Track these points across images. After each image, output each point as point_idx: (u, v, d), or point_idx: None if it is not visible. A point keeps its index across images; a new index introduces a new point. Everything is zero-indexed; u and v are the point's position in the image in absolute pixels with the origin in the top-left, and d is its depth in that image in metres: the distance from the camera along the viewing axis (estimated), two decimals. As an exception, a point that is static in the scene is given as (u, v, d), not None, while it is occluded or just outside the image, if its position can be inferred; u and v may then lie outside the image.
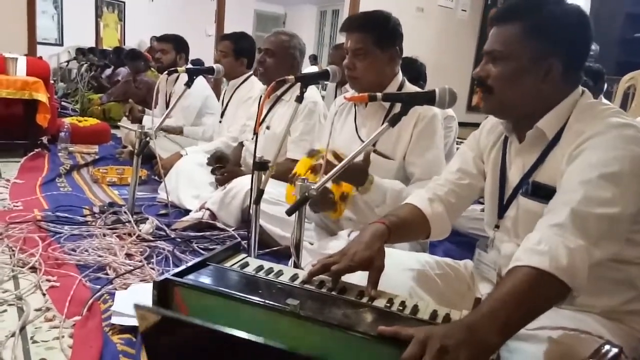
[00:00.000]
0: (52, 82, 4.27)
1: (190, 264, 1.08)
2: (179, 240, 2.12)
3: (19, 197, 2.57)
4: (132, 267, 1.79)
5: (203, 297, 0.99)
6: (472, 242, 1.99)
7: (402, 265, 1.23)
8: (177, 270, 1.05)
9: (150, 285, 1.01)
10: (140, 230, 2.13)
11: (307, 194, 1.26)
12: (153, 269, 1.82)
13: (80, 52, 8.04)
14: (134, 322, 1.39)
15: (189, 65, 3.56)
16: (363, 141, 1.67)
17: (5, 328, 1.38)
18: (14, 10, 4.63)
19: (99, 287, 1.62)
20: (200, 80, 3.38)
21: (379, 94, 1.35)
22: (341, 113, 2.00)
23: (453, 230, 1.41)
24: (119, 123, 4.42)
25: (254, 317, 0.94)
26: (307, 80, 1.72)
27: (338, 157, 1.67)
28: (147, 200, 2.72)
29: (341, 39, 1.91)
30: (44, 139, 3.84)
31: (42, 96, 3.51)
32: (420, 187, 1.40)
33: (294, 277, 1.08)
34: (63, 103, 6.44)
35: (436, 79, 2.64)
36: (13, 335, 1.35)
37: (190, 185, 2.67)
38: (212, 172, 2.64)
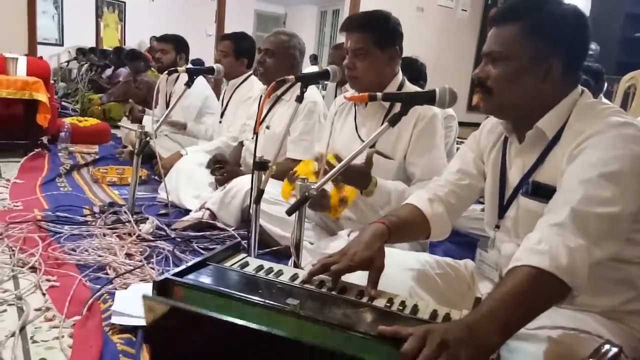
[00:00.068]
0: (52, 82, 4.27)
1: (190, 263, 1.08)
2: (179, 240, 2.12)
3: (19, 197, 2.57)
4: (132, 267, 1.79)
5: (203, 296, 0.99)
6: (472, 242, 2.00)
7: (402, 265, 1.23)
8: (177, 270, 1.05)
9: (150, 285, 1.01)
10: (140, 230, 2.13)
11: (307, 193, 1.26)
12: (153, 268, 1.82)
13: (81, 52, 8.05)
14: (134, 322, 1.39)
15: (189, 65, 3.56)
16: (363, 141, 1.67)
17: (5, 328, 1.38)
18: (14, 11, 4.63)
19: (99, 287, 1.62)
20: (200, 80, 3.38)
21: (379, 94, 1.35)
22: (341, 113, 2.00)
23: (453, 230, 1.41)
24: (119, 123, 4.42)
25: (254, 316, 0.94)
26: (307, 80, 1.72)
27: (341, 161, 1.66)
28: (147, 200, 2.72)
29: (341, 38, 1.91)
30: (44, 139, 3.84)
31: (42, 96, 3.51)
32: (422, 187, 1.40)
33: (294, 277, 1.08)
34: (63, 103, 6.44)
35: (436, 79, 2.64)
36: (13, 335, 1.35)
37: (190, 185, 2.67)
38: (212, 172, 2.64)
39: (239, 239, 2.09)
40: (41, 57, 4.39)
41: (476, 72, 1.16)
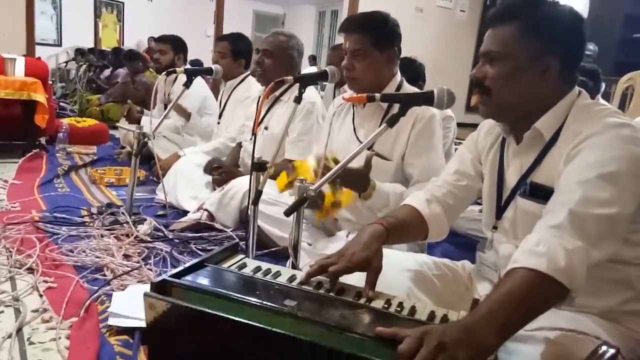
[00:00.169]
0: (50, 82, 4.26)
1: (187, 265, 1.08)
2: (176, 241, 2.12)
3: (16, 198, 2.56)
4: (129, 268, 1.79)
5: (200, 298, 0.99)
6: (471, 243, 2.00)
7: (400, 266, 1.23)
8: (174, 271, 1.05)
9: (148, 287, 1.01)
10: (138, 231, 2.12)
11: (305, 195, 1.26)
12: (151, 270, 1.82)
13: (79, 52, 8.04)
14: (131, 323, 1.39)
15: (188, 66, 3.56)
16: (361, 142, 1.67)
17: (2, 329, 1.38)
18: (12, 11, 4.63)
19: (97, 288, 1.62)
20: (198, 81, 3.38)
21: (377, 95, 1.35)
22: (339, 113, 2.00)
23: (451, 231, 1.41)
24: (117, 124, 4.41)
25: (252, 318, 0.94)
26: (306, 81, 1.72)
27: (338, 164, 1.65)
28: (145, 201, 2.72)
29: (340, 39, 1.91)
30: (42, 140, 3.83)
31: (40, 97, 3.50)
32: (420, 189, 1.40)
33: (292, 278, 1.08)
34: (61, 104, 6.43)
35: (435, 80, 2.64)
36: (10, 336, 1.34)
37: (188, 186, 2.67)
38: (210, 173, 2.64)
39: (237, 240, 2.09)
40: (39, 58, 4.38)
41: (474, 73, 1.16)
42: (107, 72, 7.12)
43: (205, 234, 2.22)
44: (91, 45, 9.00)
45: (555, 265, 0.86)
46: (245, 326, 0.82)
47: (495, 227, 1.23)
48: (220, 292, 0.98)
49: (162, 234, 2.17)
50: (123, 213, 2.29)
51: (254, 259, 1.28)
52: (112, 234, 2.11)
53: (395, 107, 1.32)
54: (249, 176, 1.62)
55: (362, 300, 0.99)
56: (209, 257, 1.14)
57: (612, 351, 0.87)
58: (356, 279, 1.07)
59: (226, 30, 4.79)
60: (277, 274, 1.09)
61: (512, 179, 1.18)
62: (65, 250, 1.90)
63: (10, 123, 3.59)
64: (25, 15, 4.70)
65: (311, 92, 2.46)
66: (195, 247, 2.07)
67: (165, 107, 3.41)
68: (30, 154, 3.61)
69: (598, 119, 1.04)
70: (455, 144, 3.17)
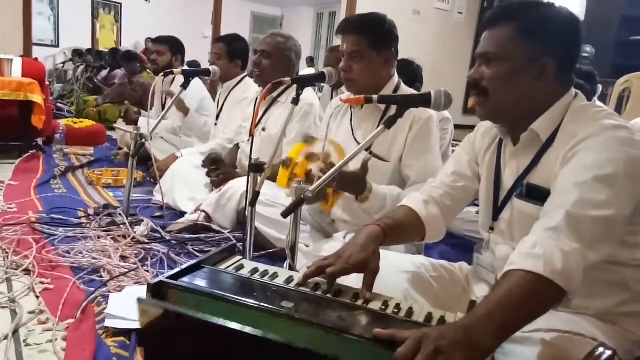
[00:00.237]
0: (47, 83, 4.25)
1: (185, 266, 1.08)
2: (174, 242, 2.12)
3: (13, 199, 2.55)
4: (126, 270, 1.78)
5: (198, 299, 0.99)
6: (468, 244, 2.00)
7: (398, 268, 1.23)
8: (171, 272, 1.04)
9: (145, 288, 1.01)
10: (135, 233, 2.12)
11: (302, 196, 1.26)
12: (148, 271, 1.81)
13: (77, 53, 8.01)
14: (128, 324, 1.39)
15: (185, 67, 3.56)
16: (359, 143, 1.67)
17: (-2, 331, 1.37)
18: (9, 12, 4.62)
19: (93, 289, 1.61)
20: (196, 82, 3.38)
21: (374, 96, 1.35)
22: (337, 115, 2.00)
23: (448, 233, 1.41)
24: (114, 125, 4.40)
25: (249, 319, 0.94)
26: (303, 82, 1.73)
27: (340, 150, 1.65)
28: (142, 202, 2.71)
29: (337, 41, 1.91)
30: (39, 141, 3.82)
31: (37, 97, 3.49)
32: (417, 190, 1.40)
33: (289, 280, 1.07)
34: (59, 104, 6.41)
35: (432, 81, 2.64)
36: (6, 338, 1.34)
37: (185, 187, 2.67)
38: (208, 174, 2.64)
39: (235, 241, 2.09)
40: (36, 59, 4.37)
41: (471, 74, 1.16)
42: (104, 73, 7.10)
43: (203, 235, 2.21)
44: (89, 46, 8.99)
45: (552, 268, 0.86)
46: (239, 333, 0.81)
47: (492, 229, 1.24)
48: (217, 293, 0.97)
49: (159, 236, 2.17)
50: (120, 214, 2.29)
51: (252, 261, 1.28)
52: (109, 235, 2.11)
53: (393, 109, 1.32)
54: (246, 177, 1.62)
55: (360, 302, 0.99)
56: (207, 259, 1.13)
57: (608, 353, 0.87)
58: (353, 280, 1.07)
59: (224, 32, 4.79)
60: (275, 276, 1.09)
61: (509, 180, 1.18)
62: (62, 252, 1.90)
63: (7, 124, 3.58)
64: (23, 16, 4.69)
65: (309, 93, 2.47)
66: (193, 249, 2.07)
67: (163, 108, 3.41)
68: (27, 154, 3.59)
69: (594, 121, 1.04)
70: (452, 146, 3.18)
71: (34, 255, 1.82)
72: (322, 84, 3.42)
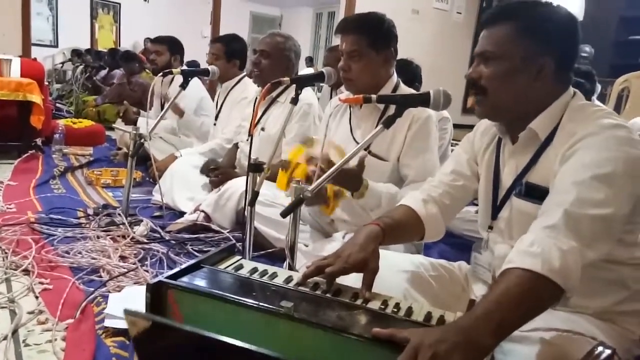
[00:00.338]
0: (46, 83, 4.24)
1: (184, 266, 1.08)
2: (173, 242, 2.11)
3: (12, 199, 2.55)
4: (125, 270, 1.78)
5: (197, 299, 0.99)
6: (467, 243, 2.00)
7: (397, 267, 1.23)
8: (171, 272, 1.04)
9: (144, 288, 1.01)
10: (134, 233, 2.12)
11: (301, 196, 1.26)
12: (147, 271, 1.81)
13: (75, 53, 8.01)
14: (127, 325, 1.38)
15: (184, 67, 3.56)
16: (358, 143, 1.67)
17: (-2, 331, 1.37)
18: (8, 12, 4.61)
19: (93, 289, 1.61)
20: (195, 82, 3.37)
21: (373, 96, 1.35)
22: (336, 114, 2.00)
23: (448, 232, 1.41)
24: (113, 125, 4.40)
25: (248, 319, 0.94)
26: (302, 82, 1.72)
27: (340, 151, 1.66)
28: (141, 202, 2.71)
29: (336, 41, 1.91)
30: (38, 141, 3.82)
31: (36, 98, 3.49)
32: (414, 189, 1.40)
33: (289, 279, 1.07)
34: (58, 105, 6.40)
35: (431, 81, 2.64)
36: (5, 338, 1.33)
37: (184, 187, 2.67)
38: (207, 174, 2.64)
39: (234, 241, 2.09)
40: (35, 59, 4.37)
41: (469, 73, 1.16)
42: (103, 73, 7.09)
43: (202, 235, 2.21)
44: (87, 46, 8.98)
45: (550, 266, 0.87)
46: (228, 345, 0.81)
47: (490, 227, 1.24)
48: (216, 293, 0.97)
49: (158, 235, 2.17)
50: (119, 214, 2.29)
51: (251, 260, 1.28)
52: (109, 235, 2.11)
53: (392, 108, 1.32)
54: (245, 177, 1.62)
55: (359, 302, 0.99)
56: (206, 259, 1.13)
57: (608, 351, 0.87)
58: (353, 280, 1.07)
59: (223, 32, 4.79)
60: (274, 275, 1.09)
61: (508, 179, 1.19)
62: (61, 252, 1.90)
63: (5, 124, 3.57)
64: (21, 16, 4.69)
65: (308, 93, 2.47)
66: (192, 249, 2.07)
67: (162, 108, 3.40)
68: (26, 155, 3.59)
69: (593, 119, 1.04)
70: (451, 145, 3.18)
71: (33, 256, 1.82)
72: (321, 84, 3.43)
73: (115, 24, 10.02)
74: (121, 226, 2.18)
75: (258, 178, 1.57)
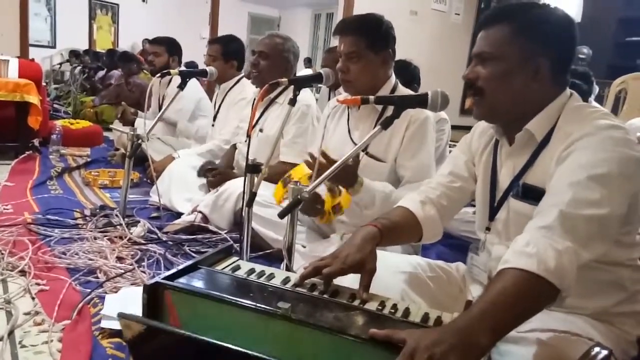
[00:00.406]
0: (44, 84, 4.24)
1: (181, 267, 1.08)
2: (170, 243, 2.11)
3: (9, 200, 2.54)
4: (122, 271, 1.78)
5: (194, 300, 0.99)
6: (465, 244, 2.00)
7: (394, 268, 1.23)
8: (168, 273, 1.04)
9: (141, 289, 1.00)
10: (131, 233, 2.11)
11: (299, 197, 1.26)
12: (144, 272, 1.81)
13: (74, 54, 8.01)
14: (124, 325, 1.38)
15: (182, 68, 3.56)
16: (355, 144, 1.67)
17: (-6, 332, 1.37)
18: (6, 12, 4.61)
19: (89, 290, 1.61)
20: (193, 83, 3.37)
21: (371, 97, 1.35)
22: (334, 115, 2.00)
23: (445, 233, 1.41)
24: (111, 126, 4.39)
25: (245, 320, 0.94)
26: (301, 83, 1.73)
27: (329, 159, 1.66)
28: (139, 203, 2.71)
29: (335, 42, 1.91)
30: (36, 142, 3.81)
31: (33, 98, 3.49)
32: (410, 189, 1.40)
33: (286, 280, 1.07)
34: (55, 105, 6.40)
35: (430, 82, 2.65)
36: (1, 339, 1.33)
37: (182, 188, 2.66)
38: (204, 175, 2.64)
39: (231, 242, 2.08)
40: (33, 59, 4.37)
41: (466, 73, 1.16)
42: (101, 73, 7.09)
43: (199, 236, 2.21)
44: (85, 47, 8.97)
45: (545, 266, 0.87)
46: (222, 348, 0.80)
47: (488, 229, 1.24)
48: (213, 294, 0.97)
49: (155, 236, 2.17)
50: (116, 215, 2.28)
51: (248, 261, 1.28)
52: (106, 236, 2.10)
53: (390, 110, 1.32)
54: (243, 178, 1.62)
55: (356, 302, 0.99)
56: (203, 259, 1.13)
57: (605, 352, 0.87)
58: (350, 280, 1.07)
59: (221, 33, 4.80)
60: (271, 276, 1.09)
61: (505, 180, 1.19)
62: (58, 253, 1.89)
63: (3, 125, 3.57)
64: (19, 16, 4.69)
65: (306, 94, 2.47)
66: (189, 249, 2.07)
67: (160, 109, 3.40)
68: (23, 155, 3.59)
69: (589, 120, 1.04)
70: (449, 147, 3.18)
71: (29, 257, 1.81)
72: (319, 85, 3.43)
73: (114, 24, 10.02)
74: (118, 227, 2.18)
75: (256, 179, 1.57)
